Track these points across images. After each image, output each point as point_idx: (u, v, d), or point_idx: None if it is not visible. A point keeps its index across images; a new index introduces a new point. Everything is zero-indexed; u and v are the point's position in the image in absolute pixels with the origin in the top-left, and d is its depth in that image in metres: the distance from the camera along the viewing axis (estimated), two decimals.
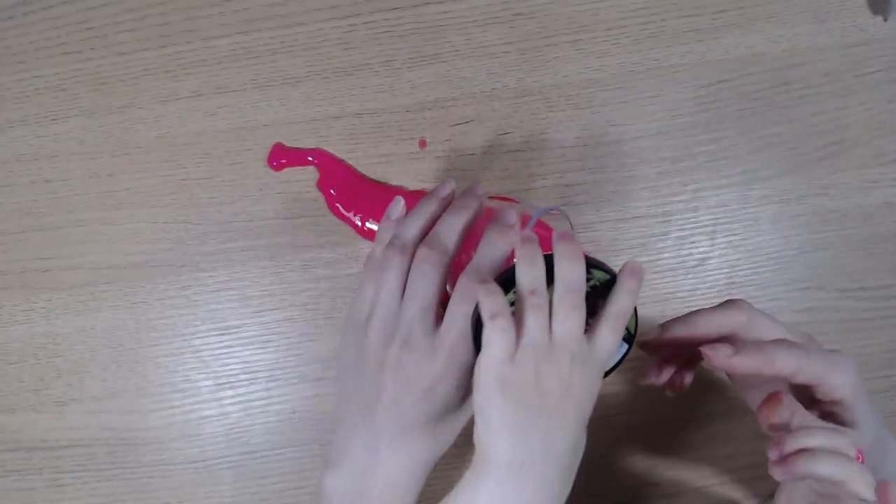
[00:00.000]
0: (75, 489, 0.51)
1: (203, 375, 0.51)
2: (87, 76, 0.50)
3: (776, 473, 0.37)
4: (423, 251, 0.41)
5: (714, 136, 0.52)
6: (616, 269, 0.39)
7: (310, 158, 0.50)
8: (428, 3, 0.51)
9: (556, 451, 0.37)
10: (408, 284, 0.41)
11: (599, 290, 0.39)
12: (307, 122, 0.51)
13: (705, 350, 0.39)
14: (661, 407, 0.52)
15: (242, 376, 0.51)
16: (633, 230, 0.52)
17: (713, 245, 0.52)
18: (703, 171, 0.52)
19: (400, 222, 0.43)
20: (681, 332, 0.41)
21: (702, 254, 0.52)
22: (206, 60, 0.50)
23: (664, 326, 0.42)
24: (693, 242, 0.52)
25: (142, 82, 0.50)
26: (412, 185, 0.51)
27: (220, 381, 0.51)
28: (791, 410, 0.38)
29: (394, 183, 0.51)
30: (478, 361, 0.38)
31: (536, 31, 0.51)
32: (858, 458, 0.37)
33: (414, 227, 0.42)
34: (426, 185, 0.51)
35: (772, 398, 0.39)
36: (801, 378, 0.39)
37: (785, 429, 0.38)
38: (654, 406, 0.52)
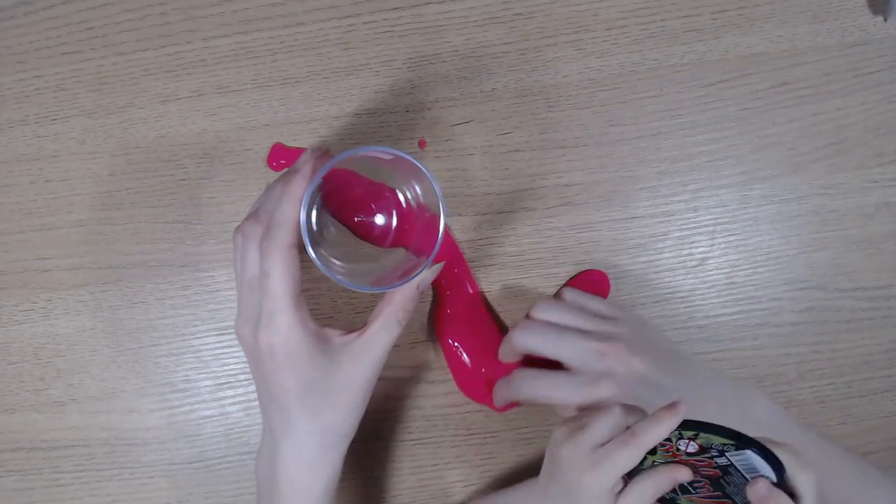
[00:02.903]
0: (75, 489, 0.51)
1: (203, 375, 0.51)
2: (87, 76, 0.50)
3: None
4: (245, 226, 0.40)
5: (714, 136, 0.52)
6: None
7: None
8: (428, 3, 0.51)
9: None
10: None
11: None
12: (307, 122, 0.51)
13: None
14: None
15: (242, 376, 0.51)
16: (633, 230, 0.52)
17: (713, 245, 0.52)
18: (703, 171, 0.52)
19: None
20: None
21: (702, 254, 0.52)
22: (205, 60, 0.50)
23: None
24: (693, 242, 0.52)
25: (142, 82, 0.50)
26: None
27: (220, 381, 0.51)
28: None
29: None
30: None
31: (536, 31, 0.51)
32: None
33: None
34: None
35: None
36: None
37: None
38: None
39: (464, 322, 0.50)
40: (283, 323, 0.39)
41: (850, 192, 0.52)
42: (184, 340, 0.51)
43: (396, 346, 0.51)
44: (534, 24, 0.51)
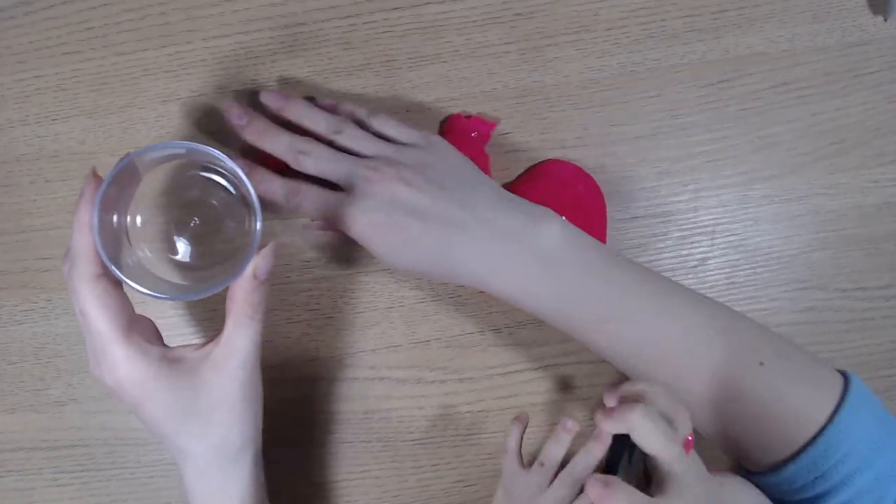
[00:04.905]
0: (75, 489, 0.51)
1: None
2: (87, 76, 0.50)
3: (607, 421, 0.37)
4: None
5: (714, 136, 0.52)
6: None
7: None
8: (428, 3, 0.51)
9: None
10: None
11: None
12: None
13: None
14: None
15: None
16: (633, 230, 0.52)
17: (713, 245, 0.52)
18: (703, 171, 0.52)
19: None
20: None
21: (702, 254, 0.52)
22: (206, 60, 0.50)
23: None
24: (693, 242, 0.52)
25: (142, 82, 0.50)
26: None
27: None
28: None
29: None
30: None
31: (536, 31, 0.51)
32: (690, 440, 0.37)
33: None
34: None
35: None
36: None
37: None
38: None
39: None
40: (118, 357, 0.37)
41: (850, 192, 0.52)
42: (183, 340, 0.51)
43: (397, 346, 0.51)
44: (534, 24, 0.51)
